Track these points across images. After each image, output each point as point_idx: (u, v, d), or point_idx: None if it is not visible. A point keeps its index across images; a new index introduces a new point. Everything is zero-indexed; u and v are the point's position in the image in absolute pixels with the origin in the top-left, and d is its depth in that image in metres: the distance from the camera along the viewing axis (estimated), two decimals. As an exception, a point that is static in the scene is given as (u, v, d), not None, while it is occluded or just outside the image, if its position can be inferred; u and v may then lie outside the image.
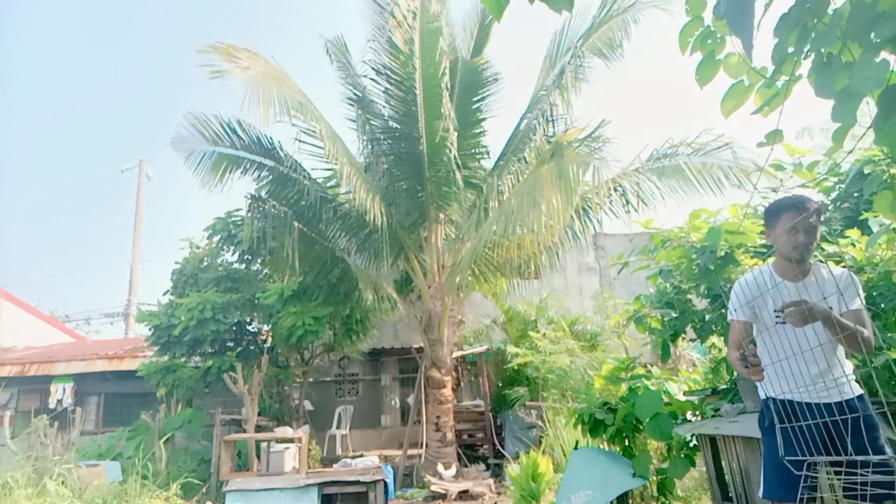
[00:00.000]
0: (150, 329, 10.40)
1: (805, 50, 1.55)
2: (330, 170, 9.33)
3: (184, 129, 8.49)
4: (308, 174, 9.17)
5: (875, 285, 3.75)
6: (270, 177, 9.02)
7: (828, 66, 1.50)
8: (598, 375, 4.83)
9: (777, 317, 2.37)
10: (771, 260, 2.67)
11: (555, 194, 6.98)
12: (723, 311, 3.95)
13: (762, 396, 2.53)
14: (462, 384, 11.76)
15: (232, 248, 11.19)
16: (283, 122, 7.86)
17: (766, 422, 2.44)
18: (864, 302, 2.43)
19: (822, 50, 1.50)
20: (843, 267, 3.48)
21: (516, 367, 9.81)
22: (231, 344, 10.69)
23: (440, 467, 8.43)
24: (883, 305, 3.76)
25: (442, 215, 9.42)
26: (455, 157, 8.51)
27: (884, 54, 1.40)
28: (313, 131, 8.58)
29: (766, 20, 1.68)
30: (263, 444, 8.23)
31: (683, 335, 4.44)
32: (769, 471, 2.38)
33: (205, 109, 8.82)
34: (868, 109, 1.67)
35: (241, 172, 8.87)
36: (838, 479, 2.12)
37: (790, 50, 1.60)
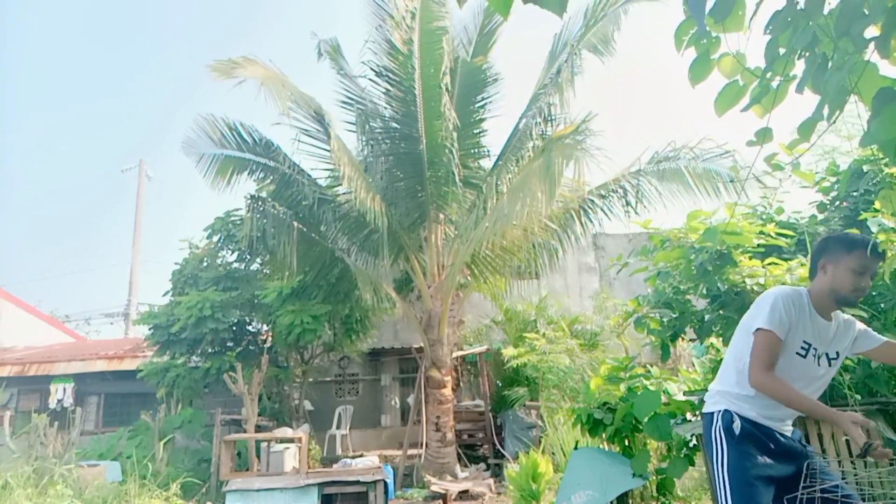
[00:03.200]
0: (150, 329, 10.41)
1: (798, 50, 1.56)
2: (329, 170, 9.34)
3: (193, 132, 8.60)
4: (309, 175, 9.20)
5: (875, 285, 3.75)
6: (273, 178, 9.07)
7: (813, 64, 1.52)
8: (595, 376, 4.83)
9: (803, 348, 2.29)
10: (804, 284, 2.65)
11: (540, 188, 7.13)
12: (721, 311, 3.94)
13: (723, 407, 2.36)
14: (462, 384, 11.76)
15: (232, 247, 11.21)
16: (292, 119, 7.94)
17: (729, 434, 2.30)
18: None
19: (817, 49, 1.51)
20: None
21: (516, 367, 9.82)
22: (231, 344, 10.70)
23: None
24: (882, 305, 3.77)
25: (442, 215, 9.43)
26: (455, 157, 8.52)
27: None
28: (313, 131, 8.60)
29: (758, 18, 1.68)
30: (263, 444, 8.24)
31: (683, 335, 4.44)
32: (738, 488, 2.25)
33: (207, 110, 8.90)
34: (856, 109, 1.68)
35: (248, 174, 8.98)
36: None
37: (781, 51, 1.61)
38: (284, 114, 7.67)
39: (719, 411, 2.37)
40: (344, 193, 9.19)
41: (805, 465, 2.26)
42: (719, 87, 1.97)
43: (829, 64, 1.50)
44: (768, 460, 2.27)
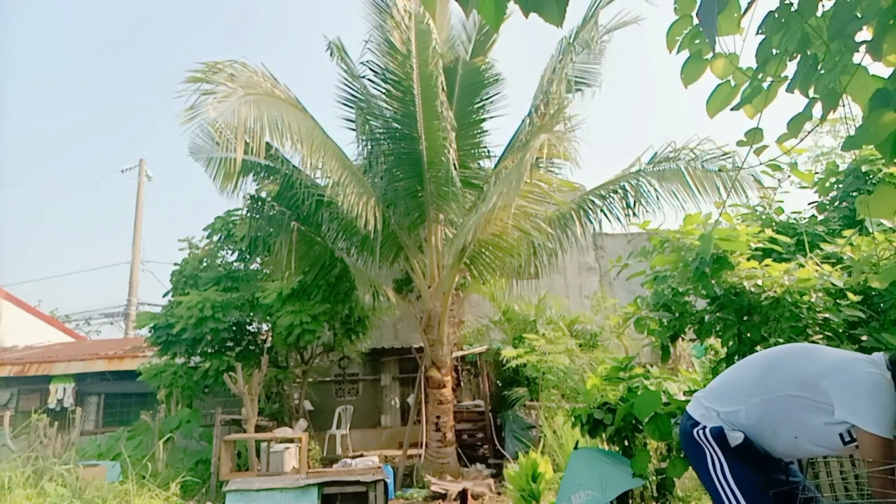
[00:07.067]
0: (149, 329, 10.41)
1: (790, 51, 1.57)
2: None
3: (199, 137, 8.59)
4: (308, 175, 9.21)
5: (873, 286, 3.75)
6: (276, 178, 9.09)
7: (805, 65, 1.53)
8: (593, 376, 4.83)
9: (850, 433, 2.18)
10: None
11: (516, 177, 7.38)
12: (719, 313, 3.95)
13: (738, 425, 2.36)
14: (462, 384, 11.76)
15: (232, 247, 11.21)
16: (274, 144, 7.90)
17: (733, 444, 2.35)
18: None
19: (808, 52, 1.52)
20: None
21: (515, 367, 9.83)
22: (231, 344, 10.69)
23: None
24: (882, 305, 3.77)
25: (442, 215, 9.43)
26: (454, 157, 8.53)
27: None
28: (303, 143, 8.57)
29: (754, 19, 1.70)
30: (263, 444, 8.24)
31: (683, 335, 4.45)
32: (754, 493, 2.30)
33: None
34: (846, 110, 1.69)
35: (253, 177, 9.00)
36: None
37: (774, 52, 1.62)
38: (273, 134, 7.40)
39: (738, 432, 2.37)
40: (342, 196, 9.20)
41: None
42: (711, 88, 1.97)
43: (820, 66, 1.51)
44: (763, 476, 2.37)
